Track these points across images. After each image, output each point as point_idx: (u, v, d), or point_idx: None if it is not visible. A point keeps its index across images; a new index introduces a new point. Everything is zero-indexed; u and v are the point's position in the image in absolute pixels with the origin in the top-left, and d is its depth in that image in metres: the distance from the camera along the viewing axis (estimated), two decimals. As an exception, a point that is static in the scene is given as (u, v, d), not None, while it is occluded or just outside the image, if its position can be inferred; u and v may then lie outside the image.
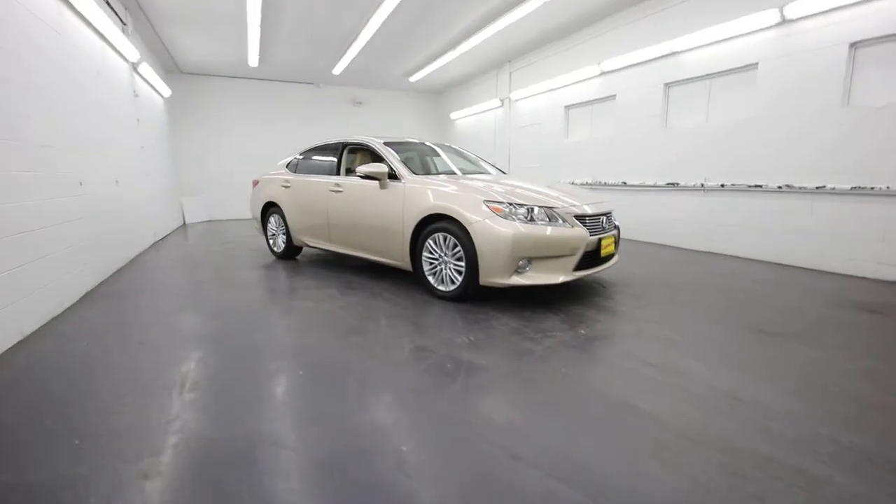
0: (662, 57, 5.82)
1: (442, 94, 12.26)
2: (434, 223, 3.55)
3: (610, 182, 6.81)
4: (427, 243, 3.62)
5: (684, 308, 3.33)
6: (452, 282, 3.50)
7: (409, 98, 12.35)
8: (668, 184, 5.89)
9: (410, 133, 12.12)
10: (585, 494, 1.39)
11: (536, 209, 3.25)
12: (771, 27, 4.63)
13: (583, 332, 2.86)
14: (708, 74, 5.38)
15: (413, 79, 10.44)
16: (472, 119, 11.02)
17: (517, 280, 3.20)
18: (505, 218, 3.21)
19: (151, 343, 2.73)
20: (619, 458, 1.57)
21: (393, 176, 3.94)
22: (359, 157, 4.67)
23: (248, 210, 11.10)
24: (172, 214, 8.88)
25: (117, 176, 5.02)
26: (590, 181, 7.17)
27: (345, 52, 8.31)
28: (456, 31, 7.41)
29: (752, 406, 1.94)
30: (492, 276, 3.24)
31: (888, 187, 3.89)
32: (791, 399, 2.00)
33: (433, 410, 1.91)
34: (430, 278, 3.66)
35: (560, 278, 3.25)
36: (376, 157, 4.86)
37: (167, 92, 8.31)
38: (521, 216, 3.21)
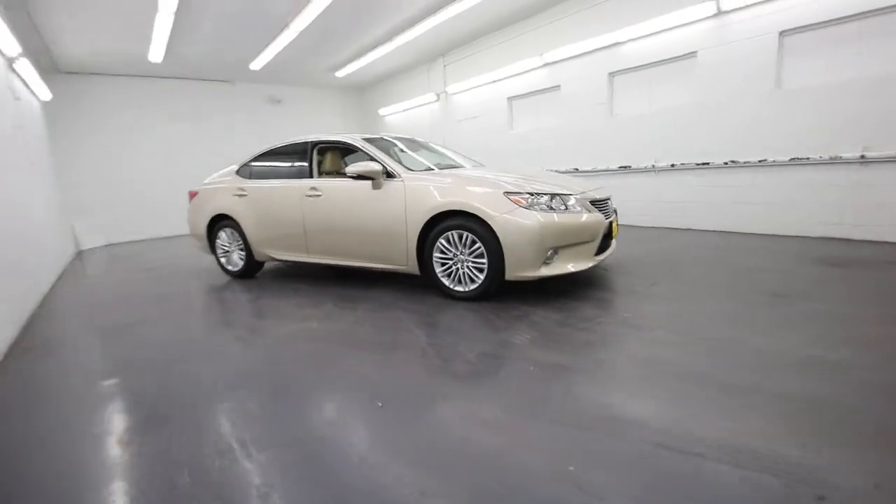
0: (606, 48, 6.13)
1: (368, 90, 11.77)
2: (444, 221, 3.32)
3: (561, 169, 7.05)
4: (438, 243, 3.38)
5: (693, 283, 3.50)
6: (472, 280, 3.31)
7: (333, 94, 11.68)
8: (621, 167, 6.26)
9: (335, 130, 11.48)
10: (784, 483, 1.33)
11: (557, 197, 3.18)
12: (708, 18, 5.09)
13: (626, 315, 2.86)
14: (651, 63, 5.78)
15: (340, 73, 9.86)
16: (404, 115, 10.74)
17: (546, 271, 3.11)
18: (528, 209, 3.10)
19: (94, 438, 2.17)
20: (787, 436, 1.54)
21: (388, 174, 3.62)
22: (329, 157, 4.24)
23: (161, 227, 9.87)
24: (64, 242, 7.38)
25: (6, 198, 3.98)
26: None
27: (270, 42, 7.54)
28: (394, 22, 7.10)
29: (834, 364, 2.06)
30: (520, 269, 3.11)
31: (820, 157, 4.49)
32: (861, 352, 2.16)
33: (563, 420, 1.72)
34: (445, 280, 3.43)
35: (587, 264, 3.23)
36: (346, 153, 4.48)
37: (46, 95, 6.85)
38: (542, 206, 3.13)
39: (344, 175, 4.55)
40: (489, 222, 3.12)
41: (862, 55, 4.20)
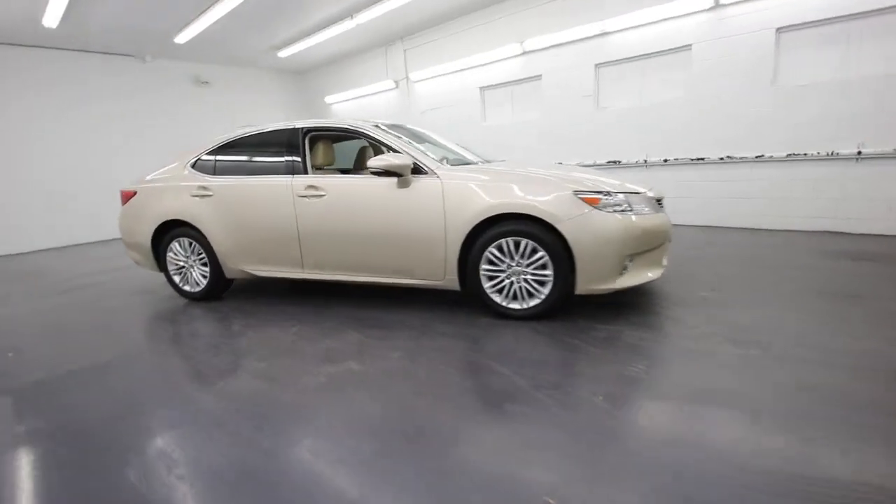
0: (594, 37, 5.88)
1: (313, 74, 10.60)
2: (494, 227, 2.76)
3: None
4: (487, 253, 2.81)
5: (743, 286, 3.28)
6: (530, 295, 2.80)
7: (270, 78, 10.36)
8: (610, 161, 6.09)
9: (272, 119, 10.22)
10: None
11: (633, 196, 2.76)
12: (704, 10, 5.02)
13: (718, 329, 2.53)
14: (642, 55, 5.63)
15: (283, 53, 8.68)
16: (355, 103, 9.81)
17: (623, 282, 2.69)
18: (602, 210, 2.64)
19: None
20: None
21: (415, 170, 2.96)
22: (322, 147, 3.44)
23: (78, 232, 7.93)
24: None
25: None
26: (517, 165, 7.01)
27: (204, 12, 6.30)
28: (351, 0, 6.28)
29: None
30: (595, 281, 2.66)
31: (818, 153, 4.60)
32: None
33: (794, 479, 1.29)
34: (496, 296, 2.87)
35: (660, 271, 2.87)
36: (338, 140, 3.72)
37: None
38: (615, 206, 2.69)
39: (341, 171, 3.80)
40: (557, 227, 2.62)
41: (857, 54, 4.33)
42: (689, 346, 2.37)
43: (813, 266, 3.65)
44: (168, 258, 3.78)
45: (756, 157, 4.96)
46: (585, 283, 2.67)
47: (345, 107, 10.11)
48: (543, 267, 2.72)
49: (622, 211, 2.68)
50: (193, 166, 3.71)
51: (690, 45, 5.20)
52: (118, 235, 4.14)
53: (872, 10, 4.15)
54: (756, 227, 5.13)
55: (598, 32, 5.80)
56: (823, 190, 4.64)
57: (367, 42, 8.64)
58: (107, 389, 2.30)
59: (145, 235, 3.78)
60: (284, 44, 8.33)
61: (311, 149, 3.41)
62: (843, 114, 4.42)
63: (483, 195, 2.78)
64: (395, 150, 3.06)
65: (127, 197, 3.92)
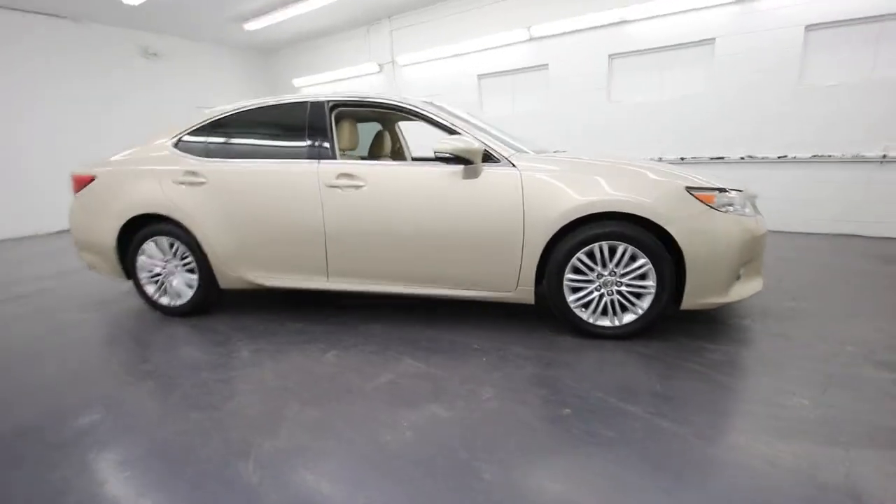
0: (609, 25, 5.55)
1: (280, 53, 9.57)
2: (585, 228, 2.28)
3: (545, 159, 6.38)
4: (575, 260, 2.32)
5: (820, 294, 3.04)
6: (623, 310, 2.35)
7: (231, 55, 9.23)
8: (621, 159, 5.81)
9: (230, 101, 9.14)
10: None
11: (739, 195, 2.38)
12: (731, 3, 4.82)
13: (832, 348, 2.22)
14: (660, 48, 5.37)
15: (251, 26, 7.67)
16: (330, 88, 8.95)
17: (735, 294, 2.31)
18: (717, 210, 2.24)
19: None
20: None
21: (485, 157, 2.41)
22: (347, 128, 2.79)
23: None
24: None
25: None
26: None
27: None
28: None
29: None
30: (707, 294, 2.25)
31: (842, 155, 4.54)
32: None
33: None
34: (581, 312, 2.40)
35: (761, 281, 2.51)
36: (362, 120, 3.13)
37: None
38: (727, 205, 2.29)
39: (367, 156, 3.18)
40: (668, 229, 2.18)
41: (885, 57, 4.28)
42: (827, 369, 2.02)
43: (872, 271, 3.50)
44: (139, 262, 2.96)
45: (778, 157, 4.85)
46: (695, 297, 2.26)
47: (317, 91, 9.20)
48: (642, 277, 2.29)
49: (737, 212, 2.29)
50: (177, 146, 2.92)
51: (714, 38, 5.00)
52: (65, 227, 3.22)
53: (906, 12, 4.11)
54: (777, 229, 5.05)
55: (614, 21, 5.47)
56: (847, 193, 4.60)
57: (347, 19, 7.85)
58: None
59: (108, 233, 2.94)
60: (253, 14, 7.35)
61: (342, 127, 2.76)
62: (868, 116, 4.37)
63: (572, 190, 2.29)
64: (454, 132, 2.49)
65: (81, 183, 3.04)
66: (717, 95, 5.10)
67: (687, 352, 2.24)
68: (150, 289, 3.01)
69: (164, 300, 3.00)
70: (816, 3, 4.42)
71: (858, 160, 4.47)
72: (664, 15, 5.19)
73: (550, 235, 2.31)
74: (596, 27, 5.64)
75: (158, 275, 2.97)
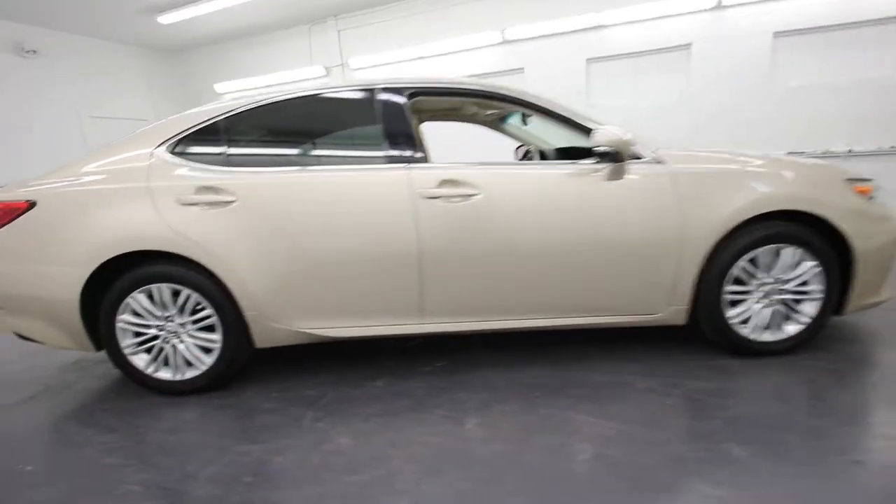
0: (587, 29, 5.51)
1: (194, 54, 8.14)
2: (746, 231, 1.97)
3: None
4: (735, 269, 1.99)
5: None
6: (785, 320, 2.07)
7: (132, 55, 7.63)
8: (606, 162, 5.78)
9: (134, 113, 7.59)
10: None
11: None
12: (706, 10, 5.03)
13: None
14: (638, 52, 5.44)
15: (165, 19, 6.37)
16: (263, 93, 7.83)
17: (885, 294, 2.16)
18: (873, 202, 2.08)
19: None
20: None
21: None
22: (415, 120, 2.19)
23: None
24: None
25: None
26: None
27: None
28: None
29: None
30: (866, 294, 2.07)
31: (814, 150, 4.94)
32: None
33: None
34: (741, 328, 2.06)
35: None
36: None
37: None
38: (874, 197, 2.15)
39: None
40: (840, 226, 1.96)
41: (847, 61, 4.76)
42: None
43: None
44: (121, 325, 1.99)
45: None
46: (858, 298, 2.07)
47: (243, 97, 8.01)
48: (804, 282, 2.04)
49: (881, 203, 2.16)
50: (173, 152, 2.03)
51: (690, 44, 5.20)
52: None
53: (859, 22, 4.60)
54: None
55: (592, 25, 5.45)
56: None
57: (284, 17, 6.93)
58: None
59: (65, 285, 1.94)
60: (170, 5, 6.11)
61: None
62: (833, 115, 4.82)
63: (735, 188, 1.97)
64: (575, 124, 2.04)
65: (6, 214, 1.98)
66: (693, 99, 5.30)
67: (863, 364, 2.03)
68: (141, 360, 2.05)
69: (165, 374, 2.06)
70: (781, 12, 4.80)
71: (828, 155, 4.91)
72: (642, 20, 5.28)
73: (714, 242, 1.96)
74: (574, 31, 5.57)
75: (154, 339, 2.03)
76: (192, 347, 2.05)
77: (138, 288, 1.97)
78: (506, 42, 5.95)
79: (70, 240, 1.95)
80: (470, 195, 1.93)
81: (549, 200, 1.96)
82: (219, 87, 8.00)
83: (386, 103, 2.05)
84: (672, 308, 2.05)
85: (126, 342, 2.03)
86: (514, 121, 3.18)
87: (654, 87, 5.54)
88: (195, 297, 1.98)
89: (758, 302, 2.06)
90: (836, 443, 1.48)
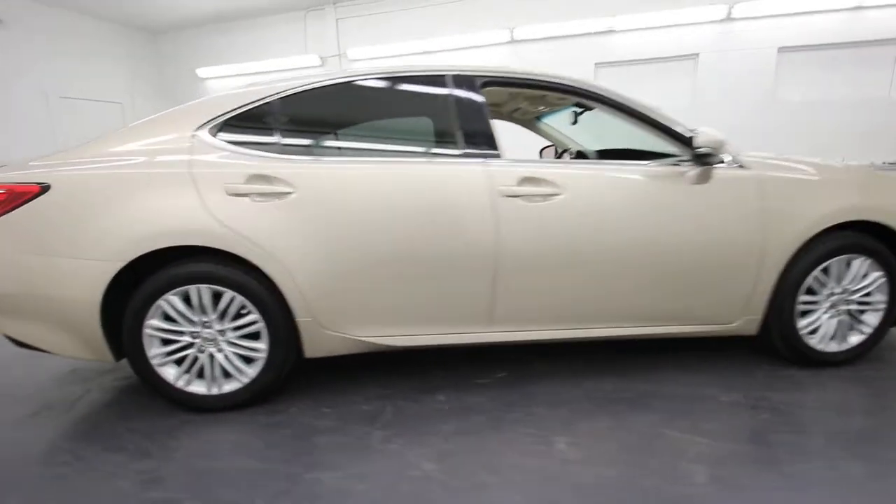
0: (597, 33, 5.51)
1: (175, 35, 7.62)
2: (821, 240, 1.93)
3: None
4: (811, 279, 1.95)
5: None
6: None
7: (110, 32, 7.05)
8: (610, 167, 5.80)
9: (110, 94, 7.03)
10: None
11: None
12: (715, 22, 5.12)
13: None
14: (646, 59, 5.49)
15: (149, -4, 5.91)
16: (252, 81, 7.41)
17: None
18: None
19: None
20: None
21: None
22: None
23: None
24: None
25: None
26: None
27: None
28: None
29: None
30: (922, 307, 2.10)
31: (811, 164, 5.12)
32: None
33: None
34: (810, 338, 2.02)
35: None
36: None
37: None
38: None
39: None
40: (910, 236, 1.97)
41: (844, 78, 4.96)
42: None
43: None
44: (148, 331, 1.73)
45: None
46: (918, 309, 2.08)
47: (229, 84, 7.58)
48: (869, 293, 2.03)
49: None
50: (217, 135, 1.78)
51: (698, 53, 5.28)
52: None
53: (860, 42, 4.80)
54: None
55: (603, 29, 5.45)
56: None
57: (277, 1, 6.59)
58: None
59: (88, 282, 1.66)
60: (156, -21, 5.67)
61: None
62: (832, 130, 5.01)
63: (816, 195, 1.93)
64: (657, 125, 1.94)
65: (10, 199, 1.68)
66: (699, 108, 5.40)
67: (929, 371, 2.04)
68: (171, 371, 1.79)
69: (198, 388, 1.81)
70: (787, 29, 4.95)
71: (823, 168, 5.10)
72: (652, 28, 5.34)
73: (795, 251, 1.91)
74: (584, 34, 5.57)
75: (187, 347, 1.78)
76: (232, 357, 1.81)
77: (174, 289, 1.71)
78: (514, 42, 5.88)
79: (94, 231, 1.66)
80: (551, 195, 1.80)
81: (633, 202, 1.85)
82: (202, 72, 7.54)
83: (459, 91, 1.88)
84: (746, 318, 1.99)
85: (154, 351, 1.76)
86: (551, 120, 3.06)
87: (660, 94, 5.59)
88: (240, 300, 1.75)
89: (825, 312, 2.04)
90: (948, 461, 1.44)
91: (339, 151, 1.92)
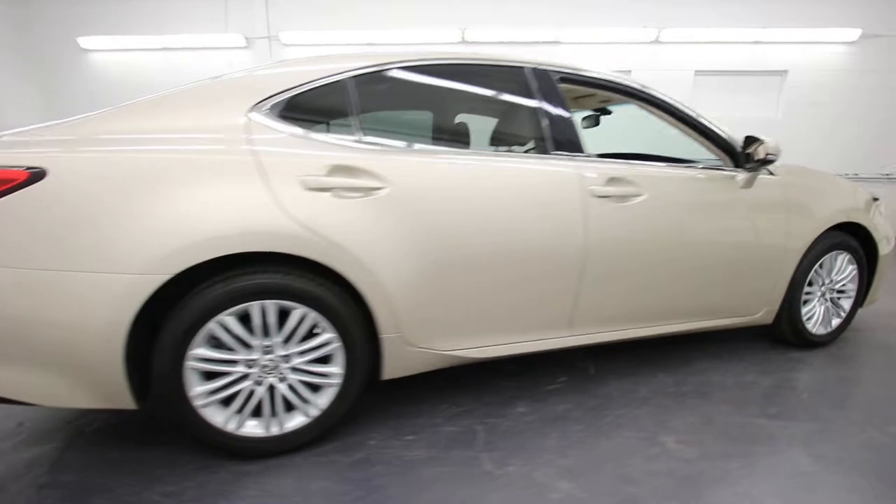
0: (546, 43, 5.74)
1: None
2: (819, 239, 2.25)
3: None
4: (813, 272, 2.27)
5: None
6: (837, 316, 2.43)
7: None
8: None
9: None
10: None
11: None
12: (645, 43, 5.68)
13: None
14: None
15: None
16: (153, 58, 6.28)
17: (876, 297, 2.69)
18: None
19: None
20: None
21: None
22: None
23: None
24: None
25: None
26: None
27: None
28: None
29: None
30: (875, 294, 2.55)
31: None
32: None
33: None
34: (808, 323, 2.33)
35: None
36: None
37: None
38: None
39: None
40: (874, 236, 2.37)
41: (747, 101, 5.87)
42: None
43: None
44: (191, 363, 1.33)
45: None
46: (870, 296, 2.53)
47: (123, 60, 6.33)
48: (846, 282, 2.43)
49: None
50: (283, 116, 1.43)
51: (630, 70, 5.81)
52: None
53: (753, 71, 5.72)
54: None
55: (551, 39, 5.72)
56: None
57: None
58: None
59: (111, 301, 1.22)
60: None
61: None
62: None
63: (822, 199, 2.25)
64: (706, 131, 2.07)
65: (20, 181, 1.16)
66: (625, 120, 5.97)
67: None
68: (219, 414, 1.39)
69: (254, 429, 1.44)
70: (701, 55, 5.71)
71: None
72: (593, 42, 5.74)
73: (807, 249, 2.18)
74: (534, 42, 5.77)
75: (240, 380, 1.40)
76: (298, 387, 1.48)
77: (232, 307, 1.34)
78: (465, 42, 5.87)
79: (117, 232, 1.22)
80: (635, 196, 1.80)
81: (700, 204, 1.95)
82: (84, 42, 6.21)
83: (540, 84, 1.79)
84: (766, 309, 2.23)
85: (198, 388, 1.37)
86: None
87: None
88: (312, 317, 1.43)
89: (818, 301, 2.38)
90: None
91: (429, 141, 1.69)
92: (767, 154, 1.93)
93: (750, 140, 1.99)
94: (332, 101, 1.53)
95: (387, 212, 1.47)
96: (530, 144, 1.84)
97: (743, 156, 2.02)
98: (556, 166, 1.72)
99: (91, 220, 1.22)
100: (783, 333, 2.36)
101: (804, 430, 1.67)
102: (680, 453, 1.54)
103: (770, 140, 1.94)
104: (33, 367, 1.26)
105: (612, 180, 1.77)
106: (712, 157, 2.16)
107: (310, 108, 1.49)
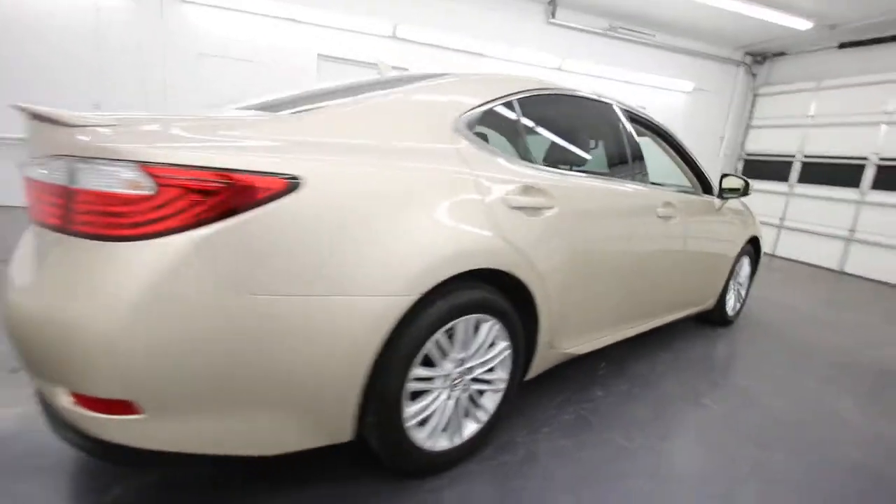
0: (473, 53, 6.06)
1: None
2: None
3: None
4: (738, 268, 3.18)
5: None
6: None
7: None
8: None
9: None
10: None
11: None
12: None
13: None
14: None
15: None
16: (11, 2, 4.49)
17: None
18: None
19: None
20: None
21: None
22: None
23: None
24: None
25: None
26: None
27: None
28: None
29: None
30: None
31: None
32: None
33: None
34: (729, 307, 3.23)
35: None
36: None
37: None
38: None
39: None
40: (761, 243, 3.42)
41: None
42: None
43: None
44: (411, 384, 1.28)
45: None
46: (752, 285, 3.61)
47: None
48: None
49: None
50: (475, 131, 1.43)
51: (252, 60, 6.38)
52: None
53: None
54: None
55: (476, 51, 6.07)
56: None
57: None
58: None
59: (360, 330, 1.13)
60: None
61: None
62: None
63: (745, 217, 3.16)
64: (693, 164, 2.70)
65: (236, 197, 0.93)
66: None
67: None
68: (420, 433, 1.35)
69: (442, 442, 1.43)
70: (323, 41, 5.69)
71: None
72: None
73: (736, 255, 3.03)
74: (463, 51, 6.05)
75: (438, 396, 1.39)
76: (475, 395, 1.52)
77: (447, 323, 1.33)
78: (395, 38, 5.82)
79: (375, 249, 1.12)
80: (674, 216, 2.29)
81: (703, 221, 2.58)
82: None
83: (622, 120, 2.13)
84: (711, 299, 3.02)
85: (409, 409, 1.31)
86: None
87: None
88: (497, 330, 1.50)
89: (732, 289, 3.31)
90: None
91: (579, 164, 1.84)
92: (743, 188, 2.67)
93: (724, 176, 2.71)
94: (510, 119, 1.60)
95: (553, 229, 1.62)
96: (623, 170, 2.17)
97: (719, 187, 2.72)
98: (643, 191, 2.11)
99: (350, 236, 1.09)
100: (714, 315, 3.22)
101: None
102: (771, 409, 2.09)
103: (739, 178, 2.68)
104: (261, 409, 1.07)
105: (666, 204, 2.24)
106: (688, 183, 2.82)
107: (495, 124, 1.53)
